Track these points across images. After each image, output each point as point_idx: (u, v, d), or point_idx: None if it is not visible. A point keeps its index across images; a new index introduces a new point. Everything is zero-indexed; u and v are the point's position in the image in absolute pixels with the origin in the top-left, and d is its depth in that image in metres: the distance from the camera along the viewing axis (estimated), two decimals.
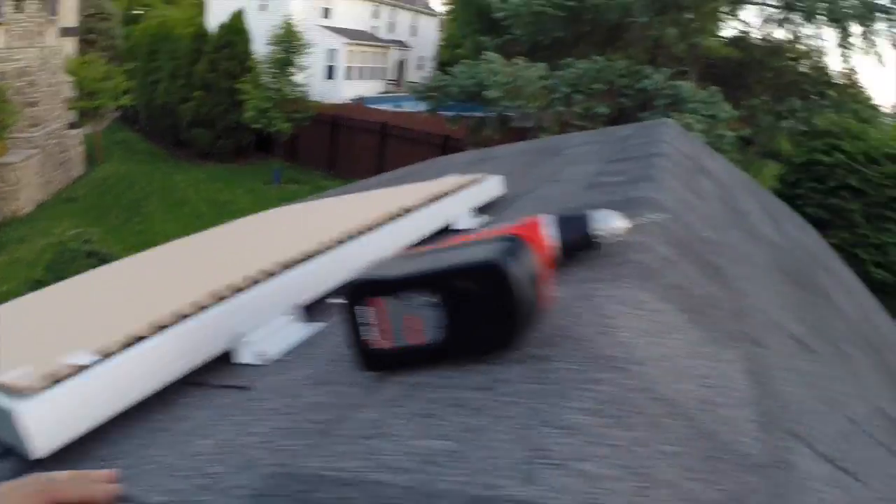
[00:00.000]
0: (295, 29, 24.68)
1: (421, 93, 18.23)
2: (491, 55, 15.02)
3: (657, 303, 1.36)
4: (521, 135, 12.10)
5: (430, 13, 44.98)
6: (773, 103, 18.66)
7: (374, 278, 1.08)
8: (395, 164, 7.22)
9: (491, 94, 14.15)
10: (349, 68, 34.62)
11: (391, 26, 41.43)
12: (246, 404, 1.17)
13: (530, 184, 3.44)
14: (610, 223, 1.47)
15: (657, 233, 1.80)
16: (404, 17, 42.69)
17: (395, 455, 0.84)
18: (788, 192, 13.96)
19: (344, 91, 32.85)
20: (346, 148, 26.51)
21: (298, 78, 25.24)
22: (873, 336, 3.80)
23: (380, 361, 1.08)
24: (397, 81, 37.69)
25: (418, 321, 1.03)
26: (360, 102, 30.07)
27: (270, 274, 1.47)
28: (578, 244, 1.47)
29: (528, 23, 16.72)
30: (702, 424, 1.03)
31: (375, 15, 40.08)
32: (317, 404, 1.09)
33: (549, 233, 1.40)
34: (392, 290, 1.05)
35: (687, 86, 14.35)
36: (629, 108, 14.61)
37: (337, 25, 34.93)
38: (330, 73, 33.92)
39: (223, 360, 1.36)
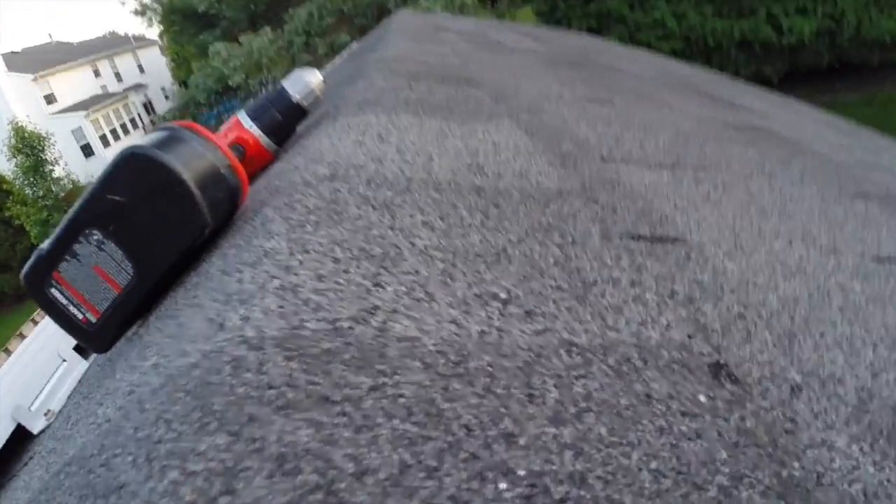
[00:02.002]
0: (27, 130, 22.96)
1: (173, 118, 17.25)
2: (217, 46, 14.35)
3: (382, 117, 1.15)
4: None
5: (148, 43, 42.93)
6: None
7: (37, 255, 0.84)
8: None
9: (235, 79, 13.62)
10: (102, 136, 32.80)
11: (118, 76, 39.32)
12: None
13: None
14: (304, 82, 1.24)
15: (381, 76, 1.62)
16: (126, 61, 40.55)
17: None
18: (551, 20, 14.18)
19: (110, 159, 31.12)
20: None
21: (58, 172, 23.63)
22: (678, 79, 3.85)
23: (104, 335, 0.84)
24: (152, 120, 36.00)
25: (104, 268, 0.81)
26: None
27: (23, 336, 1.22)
28: (286, 118, 1.24)
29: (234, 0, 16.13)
30: (467, 183, 0.83)
31: (98, 74, 37.92)
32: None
33: (248, 124, 1.20)
34: (60, 253, 0.81)
35: None
36: (368, 24, 14.37)
37: (67, 104, 32.95)
38: (87, 150, 32.02)
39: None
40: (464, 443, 0.39)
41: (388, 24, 4.56)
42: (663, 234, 0.76)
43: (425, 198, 0.75)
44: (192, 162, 0.80)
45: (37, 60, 35.16)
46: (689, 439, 0.42)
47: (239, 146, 1.17)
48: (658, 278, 0.62)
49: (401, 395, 0.42)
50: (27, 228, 22.34)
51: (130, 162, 0.78)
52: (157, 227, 0.79)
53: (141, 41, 43.47)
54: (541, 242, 0.65)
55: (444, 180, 0.81)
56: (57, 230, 0.82)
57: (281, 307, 0.51)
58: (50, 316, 0.85)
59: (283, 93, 1.23)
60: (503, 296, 0.55)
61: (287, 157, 1.12)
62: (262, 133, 1.19)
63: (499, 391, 0.43)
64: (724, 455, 0.42)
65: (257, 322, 0.50)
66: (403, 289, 0.55)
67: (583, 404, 0.43)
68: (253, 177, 1.16)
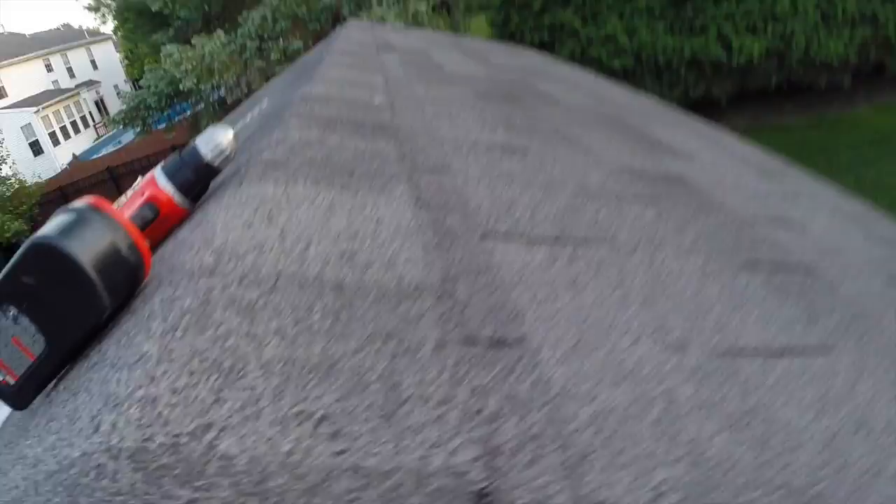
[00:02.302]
0: None
1: (123, 120, 17.05)
2: (169, 48, 14.20)
3: (279, 187, 1.21)
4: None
5: (102, 38, 42.35)
6: None
7: None
8: None
9: (186, 84, 13.52)
10: (52, 133, 32.37)
11: (71, 71, 38.86)
12: None
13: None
14: (214, 141, 1.29)
15: (297, 124, 1.68)
16: (80, 56, 40.11)
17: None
18: (503, 32, 14.37)
19: (58, 158, 30.71)
20: None
21: (5, 171, 23.20)
22: (612, 111, 3.93)
23: (22, 396, 0.94)
24: (103, 121, 35.53)
25: (20, 339, 0.90)
26: (76, 161, 28.16)
27: None
28: (199, 177, 1.29)
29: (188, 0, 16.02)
30: (332, 278, 0.89)
31: (50, 68, 37.43)
32: None
33: (163, 183, 1.25)
34: None
35: None
36: (322, 30, 14.38)
37: (17, 99, 32.45)
38: (35, 148, 31.54)
39: None
40: None
41: (333, 41, 4.60)
42: (503, 336, 0.83)
43: (288, 299, 0.80)
44: (93, 247, 0.89)
45: None
46: None
47: (153, 205, 1.22)
48: (473, 392, 0.68)
49: None
50: None
51: (37, 250, 0.88)
52: (63, 307, 0.89)
53: (95, 35, 42.86)
54: (375, 353, 0.71)
55: (312, 275, 0.87)
56: None
57: (139, 419, 0.59)
58: None
59: (194, 152, 1.28)
60: (319, 415, 0.61)
61: (190, 226, 1.16)
62: (175, 191, 1.24)
63: None
64: None
65: (120, 431, 0.58)
66: (238, 405, 0.61)
67: None
68: (168, 232, 1.22)
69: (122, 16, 23.33)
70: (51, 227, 0.90)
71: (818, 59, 13.66)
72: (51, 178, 25.99)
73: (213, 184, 1.32)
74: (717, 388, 0.92)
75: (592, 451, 0.68)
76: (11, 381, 0.91)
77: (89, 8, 24.41)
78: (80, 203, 0.95)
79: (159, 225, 1.21)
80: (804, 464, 0.83)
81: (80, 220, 0.91)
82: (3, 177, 22.92)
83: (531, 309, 0.94)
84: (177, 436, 0.57)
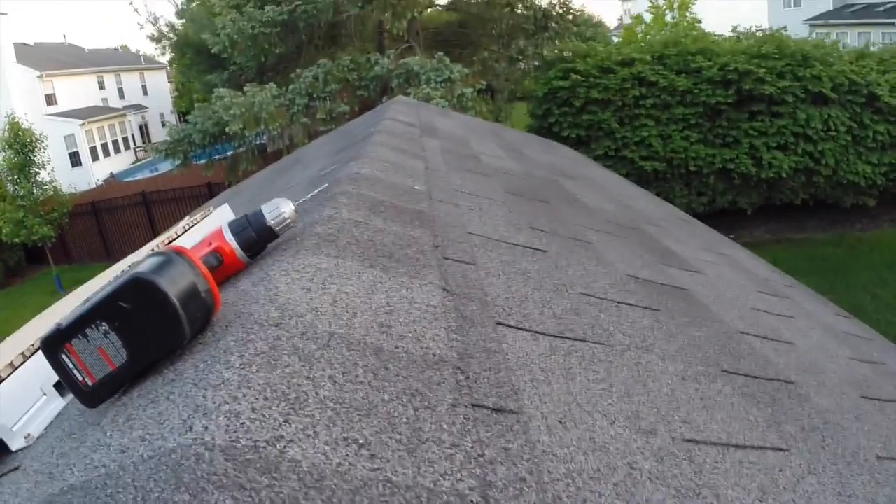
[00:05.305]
0: (23, 127, 23.04)
1: (166, 151, 17.58)
2: (221, 91, 14.70)
3: (332, 261, 1.44)
4: (277, 158, 12.05)
5: (157, 66, 43.71)
6: (502, 50, 19.64)
7: (57, 329, 1.12)
8: (166, 228, 7.10)
9: (232, 128, 13.96)
10: (93, 148, 33.23)
11: (121, 92, 40.07)
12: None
13: (269, 197, 3.49)
14: (279, 210, 1.53)
15: (347, 203, 1.91)
16: (132, 79, 41.43)
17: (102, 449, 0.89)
18: (543, 124, 14.84)
19: (95, 173, 31.45)
20: (115, 229, 24.59)
21: (43, 176, 23.69)
22: (632, 217, 4.15)
23: (95, 396, 1.13)
24: (144, 146, 36.43)
25: (105, 350, 1.09)
26: (112, 180, 28.78)
27: (25, 357, 1.46)
28: (260, 238, 1.53)
29: (247, 48, 16.51)
30: (373, 343, 1.12)
31: (102, 86, 38.61)
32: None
33: (229, 237, 1.48)
34: (75, 332, 1.10)
35: (414, 60, 14.74)
36: (370, 98, 14.92)
37: (66, 109, 33.40)
38: (75, 159, 32.36)
39: None
40: None
41: (380, 117, 4.80)
42: (504, 405, 1.06)
43: (338, 355, 1.03)
44: (180, 287, 1.11)
45: (46, 58, 35.79)
46: None
47: (218, 254, 1.45)
48: (476, 442, 0.91)
49: (280, 494, 0.71)
50: (1, 225, 22.30)
51: (136, 283, 1.09)
52: (149, 331, 1.10)
53: (150, 63, 44.08)
54: (404, 404, 0.94)
55: (357, 338, 1.11)
56: (77, 314, 1.12)
57: (227, 426, 0.80)
58: (58, 374, 1.14)
59: (259, 216, 1.52)
60: (361, 441, 0.84)
61: (251, 280, 1.39)
62: (237, 247, 1.48)
63: None
64: None
65: (212, 433, 0.79)
66: (301, 427, 0.84)
67: None
68: (225, 279, 1.45)
69: (180, 51, 24.16)
70: (147, 265, 1.12)
71: (845, 179, 13.96)
72: (85, 192, 26.46)
73: (269, 246, 1.56)
74: (673, 466, 1.15)
75: (562, 496, 0.90)
76: (90, 382, 1.11)
77: (151, 38, 25.26)
78: (169, 249, 1.19)
79: (220, 272, 1.44)
80: None
81: (170, 263, 1.14)
82: (40, 181, 23.31)
83: (529, 387, 1.17)
84: (256, 441, 0.79)
